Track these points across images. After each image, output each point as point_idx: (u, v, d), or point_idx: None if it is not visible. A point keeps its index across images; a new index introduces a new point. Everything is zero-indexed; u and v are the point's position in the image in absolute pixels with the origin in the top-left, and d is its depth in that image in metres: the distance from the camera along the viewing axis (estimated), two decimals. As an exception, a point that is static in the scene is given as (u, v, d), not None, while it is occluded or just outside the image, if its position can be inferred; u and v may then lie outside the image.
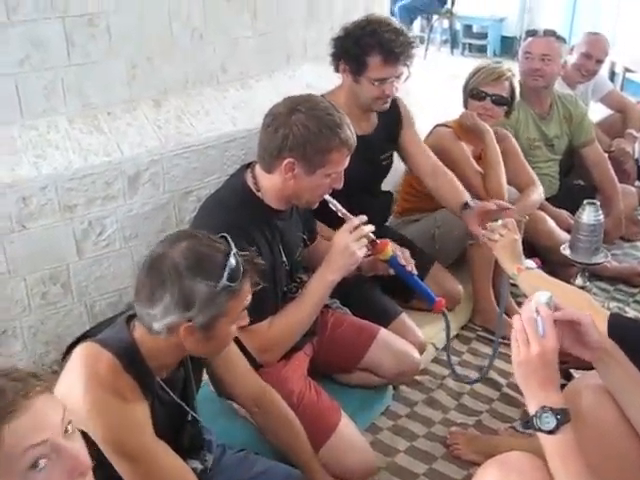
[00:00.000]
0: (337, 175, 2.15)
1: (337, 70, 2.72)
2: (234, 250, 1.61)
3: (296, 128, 2.04)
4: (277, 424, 2.04)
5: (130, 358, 1.60)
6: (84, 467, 1.14)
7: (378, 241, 2.32)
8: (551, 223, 3.50)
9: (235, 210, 2.13)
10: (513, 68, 3.32)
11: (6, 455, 1.07)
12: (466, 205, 2.78)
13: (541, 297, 1.53)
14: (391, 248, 2.34)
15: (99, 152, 2.46)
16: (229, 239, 1.65)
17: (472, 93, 3.17)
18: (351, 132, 2.12)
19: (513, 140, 3.36)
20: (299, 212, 2.37)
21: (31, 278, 2.40)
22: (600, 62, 4.17)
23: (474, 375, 2.93)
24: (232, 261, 1.58)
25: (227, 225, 2.03)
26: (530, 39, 3.75)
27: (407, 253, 2.42)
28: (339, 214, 2.29)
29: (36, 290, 2.43)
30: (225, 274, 1.55)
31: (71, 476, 1.12)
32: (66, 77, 2.42)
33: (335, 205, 2.28)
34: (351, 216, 2.27)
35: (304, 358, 2.42)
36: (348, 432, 2.23)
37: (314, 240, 2.52)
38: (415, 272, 2.42)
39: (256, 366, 2.14)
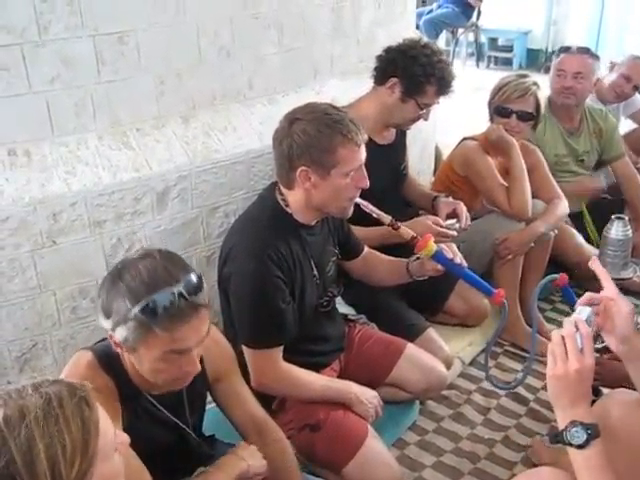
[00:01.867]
0: (357, 173, 2.13)
1: (380, 84, 2.74)
2: (178, 290, 1.51)
3: (297, 136, 2.08)
4: (275, 458, 1.94)
5: (111, 362, 1.64)
6: (127, 441, 1.27)
7: (419, 237, 2.31)
8: (579, 238, 3.48)
9: (266, 228, 2.15)
10: (539, 81, 3.31)
11: (104, 442, 1.15)
12: (436, 197, 2.99)
13: (582, 313, 1.54)
14: (434, 242, 2.31)
15: (128, 168, 2.48)
16: (194, 274, 1.59)
17: (497, 110, 3.16)
18: (355, 126, 2.10)
19: (539, 154, 3.34)
20: (330, 226, 2.38)
21: (61, 293, 2.43)
22: (637, 88, 4.14)
23: (502, 392, 2.91)
24: (161, 297, 1.50)
25: (258, 245, 2.09)
26: (563, 56, 3.70)
27: (453, 246, 2.36)
28: (373, 215, 2.31)
29: (66, 305, 2.46)
30: (142, 304, 1.50)
31: (121, 450, 1.24)
32: (96, 94, 2.45)
33: (367, 206, 2.31)
34: (386, 215, 2.28)
35: (331, 374, 2.43)
36: (375, 447, 2.22)
37: (359, 254, 2.53)
38: (465, 264, 2.35)
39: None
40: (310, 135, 2.07)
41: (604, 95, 4.12)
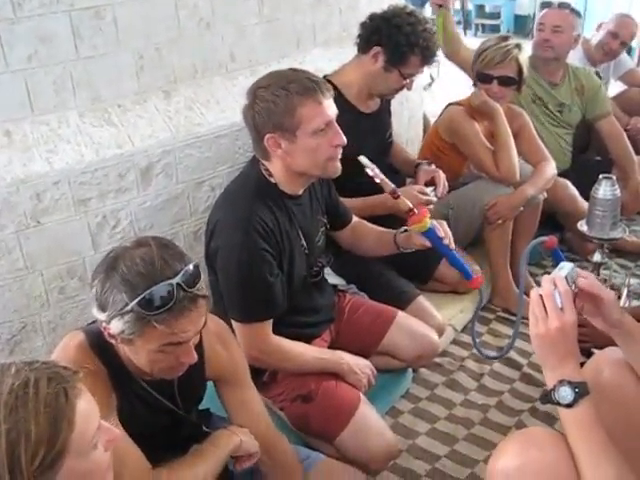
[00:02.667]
0: (327, 131, 2.07)
1: (364, 52, 2.71)
2: (177, 282, 1.47)
3: (257, 105, 2.06)
4: (283, 476, 1.91)
5: (103, 346, 1.59)
6: (119, 437, 1.25)
7: (416, 210, 2.30)
8: (573, 189, 3.49)
9: (251, 200, 2.12)
10: (526, 46, 3.28)
11: (79, 437, 1.12)
12: (418, 165, 2.99)
13: (563, 269, 1.53)
14: (429, 219, 2.30)
15: (111, 145, 2.46)
16: (192, 264, 1.53)
17: (479, 76, 3.12)
18: (315, 83, 2.05)
19: (526, 117, 3.32)
20: (317, 195, 2.36)
21: (48, 273, 2.41)
22: (624, 44, 4.13)
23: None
24: (159, 290, 1.45)
25: (244, 217, 2.07)
26: (545, 10, 3.76)
27: (445, 225, 2.36)
28: (376, 180, 2.31)
29: (54, 285, 2.44)
30: (138, 297, 1.45)
31: (108, 448, 1.21)
32: (75, 71, 2.42)
33: (373, 169, 2.30)
34: (389, 182, 2.30)
35: (322, 344, 2.43)
36: (368, 416, 2.22)
37: (347, 223, 2.52)
38: (453, 246, 2.35)
39: None
40: (268, 101, 2.04)
41: (593, 55, 4.11)
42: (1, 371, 1.12)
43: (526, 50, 3.19)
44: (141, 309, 1.45)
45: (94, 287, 1.51)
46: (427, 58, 2.67)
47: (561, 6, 3.72)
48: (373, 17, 2.70)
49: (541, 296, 1.46)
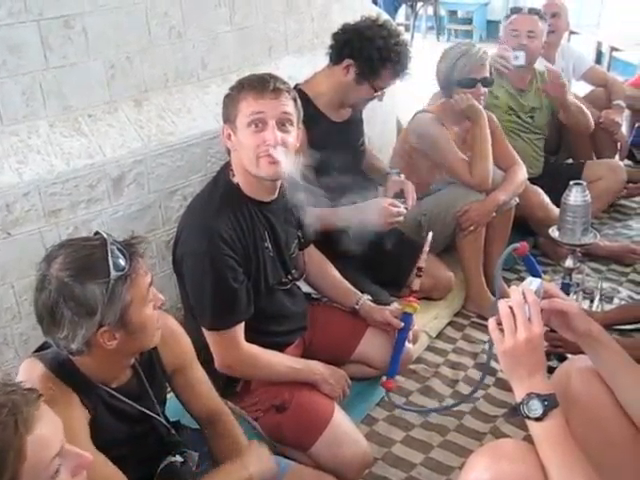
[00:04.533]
0: (262, 126, 2.05)
1: (335, 63, 2.71)
2: (110, 239, 1.55)
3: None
4: (226, 448, 1.91)
5: (65, 369, 1.60)
6: (88, 461, 1.22)
7: (417, 295, 2.50)
8: (544, 196, 3.52)
9: (216, 207, 2.13)
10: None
11: (32, 466, 1.10)
12: (388, 174, 3.02)
13: (532, 284, 1.54)
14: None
15: (81, 155, 2.44)
16: (102, 232, 1.59)
17: (461, 82, 3.12)
18: (265, 79, 2.09)
19: (496, 120, 3.34)
20: (293, 211, 2.36)
21: (19, 285, 2.38)
22: (556, 16, 4.11)
23: (469, 362, 2.95)
24: (112, 250, 1.52)
25: (207, 224, 2.08)
26: (515, 16, 3.77)
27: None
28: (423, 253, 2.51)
29: (25, 297, 2.41)
30: (111, 266, 1.50)
31: (77, 473, 1.20)
32: (44, 81, 2.39)
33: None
34: (424, 260, 2.50)
35: (295, 352, 2.42)
36: (342, 425, 2.21)
37: (306, 245, 2.52)
38: (409, 344, 2.57)
39: None
40: (226, 95, 2.15)
41: (546, 49, 4.10)
42: None
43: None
44: (118, 272, 1.51)
45: (65, 316, 1.49)
46: (399, 72, 2.67)
47: (531, 11, 3.76)
48: (345, 29, 2.69)
49: (510, 307, 1.47)
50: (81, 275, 1.49)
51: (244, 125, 2.07)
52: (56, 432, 1.17)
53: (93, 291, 1.49)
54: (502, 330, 1.47)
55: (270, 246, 2.24)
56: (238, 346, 2.16)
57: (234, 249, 2.08)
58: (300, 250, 2.46)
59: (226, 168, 2.22)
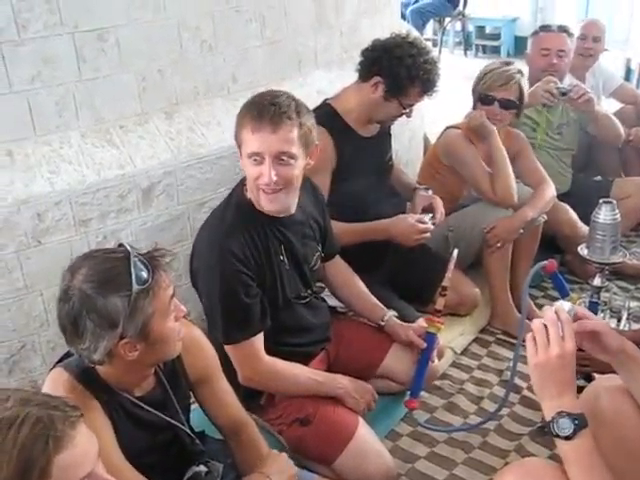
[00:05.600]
0: (257, 160, 2.04)
1: (364, 80, 2.71)
2: (133, 252, 1.56)
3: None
4: (250, 459, 1.92)
5: (89, 378, 1.62)
6: None
7: (440, 314, 2.47)
8: (572, 213, 3.49)
9: (229, 222, 2.14)
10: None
11: None
12: (416, 189, 3.00)
13: (564, 305, 1.55)
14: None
15: (112, 166, 2.47)
16: (125, 244, 1.60)
17: (480, 98, 3.14)
18: (267, 106, 2.02)
19: (524, 138, 3.34)
20: (312, 221, 2.37)
21: (48, 293, 2.41)
22: (597, 40, 4.11)
23: (494, 379, 2.94)
24: (134, 263, 1.53)
25: (220, 239, 2.10)
26: (545, 34, 3.74)
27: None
28: (450, 267, 2.47)
29: (53, 305, 2.40)
30: (133, 279, 1.51)
31: None
32: (77, 92, 2.44)
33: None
34: (449, 278, 2.48)
35: (319, 366, 2.42)
36: (366, 439, 2.22)
37: (332, 256, 2.53)
38: (434, 362, 2.55)
39: None
40: (239, 112, 2.11)
41: (576, 67, 4.06)
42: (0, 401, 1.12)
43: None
44: (141, 286, 1.53)
45: (88, 328, 1.50)
46: (427, 90, 2.67)
47: (560, 29, 3.74)
48: (375, 46, 2.70)
49: (544, 324, 1.47)
50: (104, 288, 1.50)
51: (245, 155, 2.08)
52: (88, 453, 1.18)
53: (115, 304, 1.50)
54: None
55: (286, 260, 2.24)
56: (257, 359, 2.17)
57: (246, 265, 2.10)
58: (324, 262, 2.47)
59: (241, 184, 2.23)
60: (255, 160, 2.04)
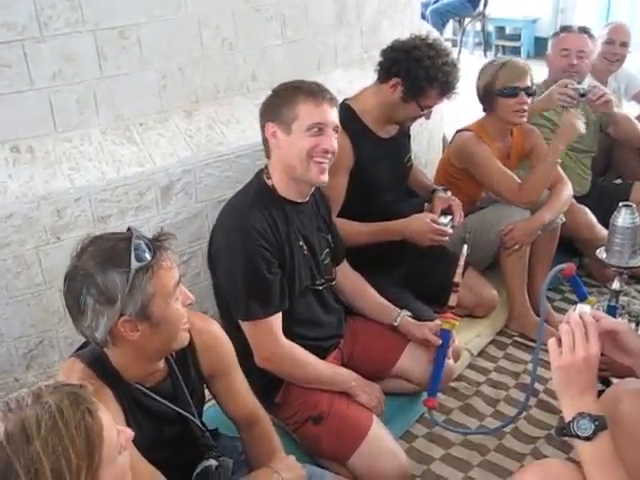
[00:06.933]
0: (320, 132, 2.16)
1: (383, 81, 2.71)
2: (136, 233, 1.60)
3: (267, 99, 2.26)
4: (263, 453, 1.94)
5: (101, 366, 1.65)
6: (131, 433, 1.31)
7: (454, 311, 2.49)
8: (591, 216, 3.47)
9: (250, 204, 2.20)
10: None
11: (108, 446, 1.18)
12: (434, 191, 3.01)
13: (584, 307, 1.55)
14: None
15: (132, 163, 2.48)
16: (132, 228, 1.64)
17: (503, 92, 3.10)
18: (319, 87, 2.21)
19: (540, 136, 3.32)
20: (321, 214, 2.42)
21: (67, 289, 2.43)
22: (624, 45, 4.08)
23: (511, 382, 2.92)
24: (136, 242, 1.57)
25: (242, 218, 2.15)
26: (565, 35, 3.74)
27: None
28: (460, 263, 2.52)
29: (71, 300, 2.45)
30: (132, 257, 1.54)
31: (126, 447, 1.27)
32: (98, 90, 2.45)
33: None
34: (461, 274, 2.52)
35: (332, 363, 2.42)
36: (380, 437, 2.22)
37: (339, 259, 2.54)
38: (449, 360, 2.55)
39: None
40: (275, 95, 2.23)
41: (600, 71, 4.07)
42: (17, 406, 1.14)
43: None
44: (140, 262, 1.56)
45: (88, 304, 1.54)
46: (446, 92, 2.66)
47: (581, 30, 3.73)
48: (394, 47, 2.69)
49: (569, 325, 1.47)
50: (104, 264, 1.54)
51: (302, 129, 2.14)
52: (109, 414, 1.23)
53: (114, 280, 1.53)
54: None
55: (304, 246, 2.28)
56: (276, 338, 2.19)
57: (268, 241, 2.14)
58: (332, 261, 2.48)
59: (260, 173, 2.29)
60: (316, 130, 2.15)
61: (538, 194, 3.08)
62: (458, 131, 3.29)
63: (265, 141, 2.25)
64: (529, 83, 3.12)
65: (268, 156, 2.26)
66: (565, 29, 3.81)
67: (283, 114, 2.16)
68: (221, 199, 2.68)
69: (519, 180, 3.11)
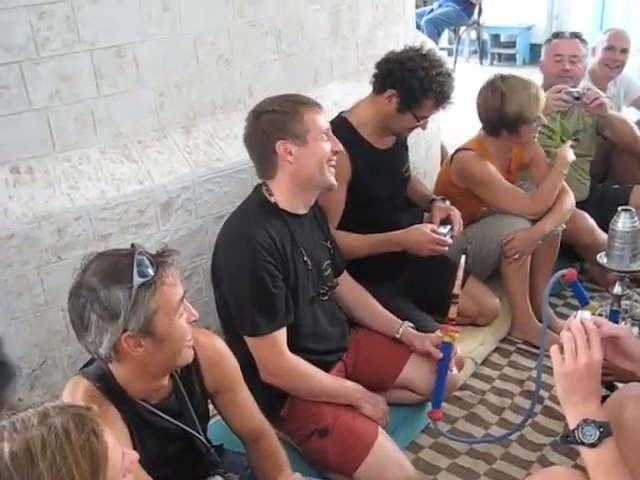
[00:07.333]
0: (326, 135, 2.25)
1: (378, 93, 2.72)
2: (140, 249, 1.61)
3: (265, 120, 2.22)
4: (268, 469, 1.95)
5: (106, 384, 1.66)
6: (136, 456, 1.31)
7: (454, 323, 2.47)
8: (591, 221, 3.48)
9: (252, 218, 2.21)
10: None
11: (112, 469, 1.18)
12: (433, 200, 3.02)
13: (584, 313, 1.55)
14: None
15: (131, 181, 2.49)
16: (136, 244, 1.66)
17: (528, 121, 3.06)
18: (304, 96, 2.30)
19: (538, 145, 3.31)
20: (320, 224, 2.44)
21: (69, 308, 2.43)
22: (625, 52, 4.10)
23: (516, 389, 2.92)
24: (139, 258, 1.58)
25: (245, 231, 2.16)
26: (557, 41, 3.76)
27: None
28: (458, 275, 2.49)
29: (74, 320, 2.46)
30: (135, 272, 1.55)
31: (131, 469, 1.26)
32: (96, 108, 2.47)
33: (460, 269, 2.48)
34: (460, 286, 2.50)
35: (337, 375, 2.42)
36: (386, 449, 2.22)
37: (340, 270, 2.54)
38: (453, 372, 2.55)
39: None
40: (276, 111, 2.21)
41: (599, 77, 4.08)
42: (23, 427, 1.14)
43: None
44: (142, 278, 1.57)
45: (92, 320, 1.55)
46: (441, 102, 2.68)
47: (572, 35, 3.75)
48: (388, 59, 2.71)
49: (570, 331, 1.47)
50: (107, 280, 1.55)
51: (316, 138, 2.20)
52: (114, 437, 1.23)
53: (117, 295, 1.54)
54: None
55: (307, 259, 2.29)
56: (282, 353, 2.20)
57: (272, 255, 2.14)
58: (333, 271, 2.48)
59: (259, 188, 2.30)
60: (325, 136, 2.23)
61: (549, 204, 3.10)
62: (458, 150, 3.26)
63: (269, 161, 2.23)
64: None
65: (271, 176, 2.25)
66: (557, 35, 3.83)
67: (295, 129, 2.17)
68: (221, 215, 2.69)
69: (524, 192, 3.12)
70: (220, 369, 1.88)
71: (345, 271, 2.58)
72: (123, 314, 1.54)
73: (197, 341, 1.76)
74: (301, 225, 2.30)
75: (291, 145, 2.17)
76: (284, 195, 2.24)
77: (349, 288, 2.57)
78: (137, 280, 1.55)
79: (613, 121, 3.68)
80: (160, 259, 1.62)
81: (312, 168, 2.21)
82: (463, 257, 2.53)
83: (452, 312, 2.49)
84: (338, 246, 2.54)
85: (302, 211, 2.30)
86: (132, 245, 1.66)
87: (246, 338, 2.19)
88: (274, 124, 2.19)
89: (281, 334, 2.19)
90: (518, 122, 3.06)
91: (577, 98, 3.38)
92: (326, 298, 2.41)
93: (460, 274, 2.51)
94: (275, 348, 2.18)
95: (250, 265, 2.12)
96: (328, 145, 2.23)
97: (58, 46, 2.32)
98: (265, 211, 2.23)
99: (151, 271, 1.58)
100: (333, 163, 2.25)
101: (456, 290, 2.50)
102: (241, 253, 2.14)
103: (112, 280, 1.55)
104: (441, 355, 2.45)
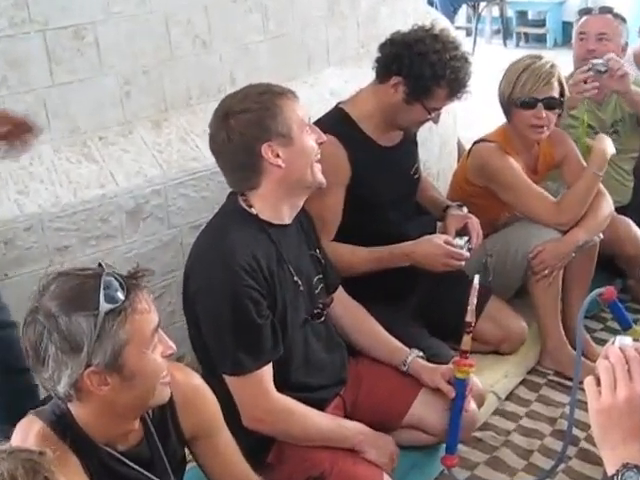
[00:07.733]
0: (309, 127, 2.25)
1: (382, 81, 2.72)
2: (108, 269, 1.57)
3: (239, 122, 2.16)
4: None
5: (64, 426, 1.63)
6: None
7: (468, 355, 2.43)
8: (635, 228, 3.46)
9: (232, 235, 2.17)
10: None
11: None
12: (448, 207, 3.00)
13: (624, 339, 1.54)
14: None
15: (90, 184, 2.50)
16: (103, 263, 1.62)
17: (521, 104, 3.08)
18: (275, 85, 2.26)
19: (572, 142, 3.31)
20: (305, 230, 2.42)
21: (19, 333, 2.43)
22: None
23: (546, 429, 2.91)
24: (107, 280, 1.54)
25: (226, 253, 2.12)
26: (584, 18, 3.75)
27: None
28: (472, 300, 2.42)
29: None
30: (101, 298, 1.52)
31: None
32: (49, 99, 2.47)
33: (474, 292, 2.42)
34: (474, 313, 2.44)
35: (335, 414, 2.41)
36: (393, 500, 2.21)
37: (334, 286, 2.54)
38: (471, 409, 2.50)
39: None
40: (252, 111, 2.16)
41: None
42: None
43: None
44: (110, 304, 1.53)
45: (49, 352, 1.51)
46: (456, 91, 2.67)
47: (602, 11, 3.74)
48: (394, 40, 2.70)
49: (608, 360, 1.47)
50: (68, 306, 1.52)
51: (299, 131, 2.19)
52: None
53: (80, 324, 1.50)
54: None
55: (294, 275, 2.27)
56: (268, 394, 2.18)
57: (255, 278, 2.11)
58: (326, 287, 2.48)
59: (234, 198, 2.27)
60: (308, 128, 2.24)
61: (579, 214, 3.07)
62: (476, 142, 3.26)
63: (252, 169, 2.20)
64: (553, 93, 3.07)
65: (254, 186, 2.22)
66: (584, 12, 3.83)
67: (275, 127, 2.15)
68: (197, 224, 2.69)
69: (551, 197, 3.10)
70: (198, 410, 1.86)
71: (340, 287, 2.57)
72: (86, 346, 1.51)
73: (172, 377, 1.73)
74: (286, 237, 2.28)
75: (277, 146, 2.16)
76: (269, 204, 2.22)
77: (346, 308, 2.56)
78: (104, 306, 1.52)
79: (635, 98, 3.57)
80: (132, 281, 1.59)
81: (302, 168, 2.20)
82: (477, 277, 2.48)
83: (465, 343, 2.46)
84: (330, 257, 2.53)
85: (288, 220, 2.28)
86: (99, 264, 1.63)
87: (226, 377, 2.17)
88: (253, 125, 2.15)
89: (267, 371, 2.17)
90: (508, 104, 3.12)
91: (603, 72, 3.34)
92: (320, 320, 2.41)
93: (474, 298, 2.45)
94: (260, 389, 2.17)
95: (230, 293, 2.09)
96: (312, 138, 2.23)
97: (4, 25, 2.33)
98: (245, 225, 2.21)
99: (121, 295, 1.55)
100: (318, 157, 2.25)
101: (469, 317, 2.45)
102: (220, 278, 2.11)
103: (74, 306, 1.52)
104: (454, 394, 2.44)
